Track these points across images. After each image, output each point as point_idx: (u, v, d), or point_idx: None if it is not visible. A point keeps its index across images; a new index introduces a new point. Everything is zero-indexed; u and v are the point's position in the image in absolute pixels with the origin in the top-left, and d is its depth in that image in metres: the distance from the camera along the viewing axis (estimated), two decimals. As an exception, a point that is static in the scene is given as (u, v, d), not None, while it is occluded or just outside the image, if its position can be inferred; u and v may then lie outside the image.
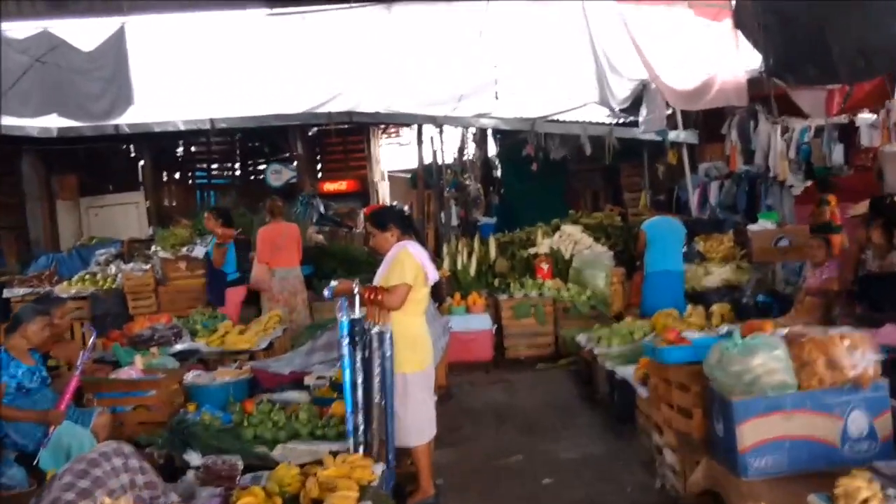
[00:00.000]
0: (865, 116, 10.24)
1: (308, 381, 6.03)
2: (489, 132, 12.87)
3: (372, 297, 4.58)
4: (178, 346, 7.07)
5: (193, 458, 4.41)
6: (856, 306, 6.61)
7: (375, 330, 4.47)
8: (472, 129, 12.65)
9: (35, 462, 4.70)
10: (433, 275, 4.89)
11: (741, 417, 3.82)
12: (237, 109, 11.70)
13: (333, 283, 4.72)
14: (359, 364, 4.47)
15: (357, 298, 4.60)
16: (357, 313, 4.54)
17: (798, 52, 10.60)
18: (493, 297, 9.54)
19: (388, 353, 4.48)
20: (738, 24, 10.96)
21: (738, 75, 10.83)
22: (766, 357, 3.87)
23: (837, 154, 10.12)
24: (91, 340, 5.27)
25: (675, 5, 11.01)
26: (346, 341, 4.45)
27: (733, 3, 10.92)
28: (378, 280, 4.78)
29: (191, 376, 5.96)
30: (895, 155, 10.40)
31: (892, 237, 6.72)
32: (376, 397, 4.44)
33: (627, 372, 6.22)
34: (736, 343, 4.06)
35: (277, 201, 9.36)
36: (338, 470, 3.99)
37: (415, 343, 4.77)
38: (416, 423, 4.74)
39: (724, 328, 7.55)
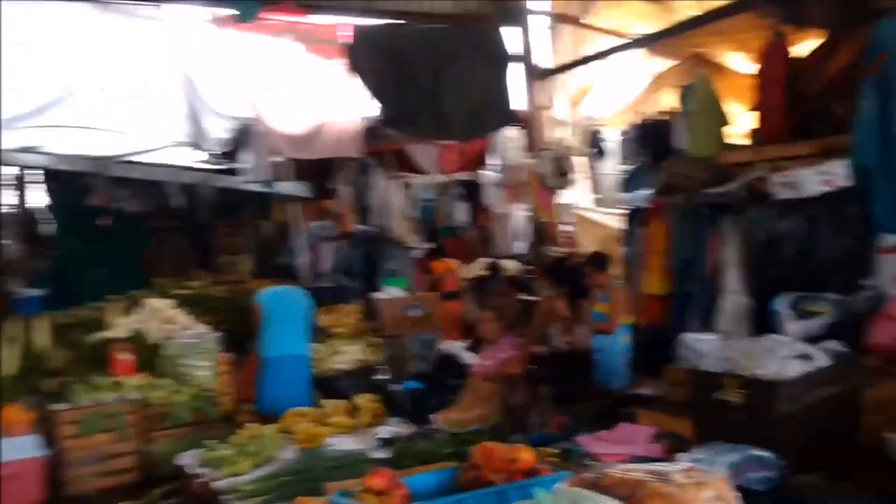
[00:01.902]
0: (488, 174, 9.78)
1: None
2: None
3: None
4: None
5: None
6: (538, 391, 5.45)
7: None
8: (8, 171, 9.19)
9: None
10: None
11: None
12: None
13: None
14: None
15: None
16: None
17: (414, 104, 9.83)
18: (44, 410, 6.54)
19: None
20: (354, 67, 9.88)
21: (354, 123, 9.73)
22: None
23: (461, 213, 9.47)
24: None
25: (283, 37, 9.43)
26: None
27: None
28: None
29: None
30: (504, 217, 10.16)
31: (578, 307, 5.80)
32: None
33: (282, 517, 4.31)
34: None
35: None
36: None
37: None
38: None
39: (384, 430, 5.94)
